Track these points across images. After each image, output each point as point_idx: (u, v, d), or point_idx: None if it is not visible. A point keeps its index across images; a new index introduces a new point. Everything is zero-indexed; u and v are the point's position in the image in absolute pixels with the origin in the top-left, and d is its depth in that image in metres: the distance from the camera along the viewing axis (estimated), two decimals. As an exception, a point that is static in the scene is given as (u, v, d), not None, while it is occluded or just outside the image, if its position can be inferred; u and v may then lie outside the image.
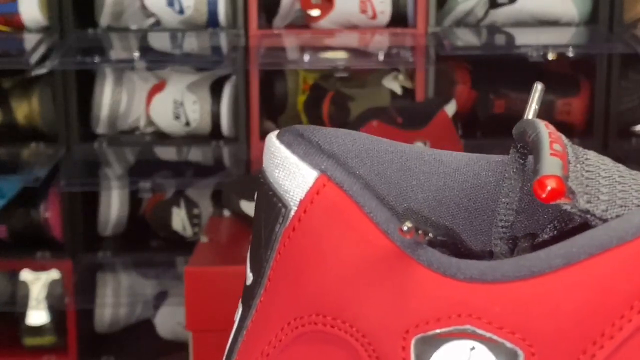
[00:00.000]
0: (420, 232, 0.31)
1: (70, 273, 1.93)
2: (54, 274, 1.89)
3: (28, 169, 1.88)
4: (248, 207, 1.55)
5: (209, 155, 2.01)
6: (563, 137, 0.34)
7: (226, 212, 1.65)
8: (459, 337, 0.30)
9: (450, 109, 1.74)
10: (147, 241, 2.07)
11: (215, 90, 1.97)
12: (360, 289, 0.32)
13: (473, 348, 0.30)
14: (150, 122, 2.00)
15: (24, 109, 1.97)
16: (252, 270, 0.37)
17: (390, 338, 0.31)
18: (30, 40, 1.89)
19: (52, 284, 1.88)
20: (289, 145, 0.35)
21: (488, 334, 0.30)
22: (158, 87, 1.98)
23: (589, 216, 0.31)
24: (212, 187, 1.98)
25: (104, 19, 1.93)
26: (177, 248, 1.98)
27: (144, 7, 1.94)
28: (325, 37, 1.96)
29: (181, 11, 1.92)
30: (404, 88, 1.97)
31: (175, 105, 1.96)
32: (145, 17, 1.96)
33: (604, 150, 1.89)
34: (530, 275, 0.30)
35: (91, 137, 1.97)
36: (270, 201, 0.35)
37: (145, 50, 1.89)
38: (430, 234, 0.31)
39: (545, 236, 0.37)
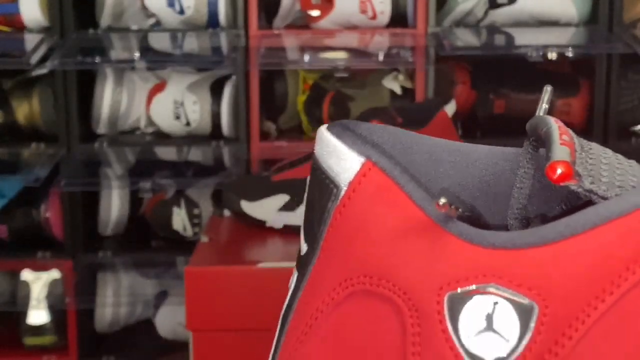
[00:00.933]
0: (452, 207, 0.37)
1: (71, 273, 1.93)
2: (54, 274, 1.89)
3: (28, 169, 1.88)
4: (248, 207, 1.56)
5: (209, 155, 2.01)
6: (570, 130, 0.40)
7: (226, 212, 1.65)
8: (484, 293, 0.37)
9: (450, 109, 1.74)
10: (148, 241, 2.08)
11: (216, 90, 1.97)
12: (401, 255, 0.39)
13: (496, 303, 0.36)
14: (150, 122, 2.00)
15: (24, 109, 1.97)
16: (306, 241, 0.43)
17: (426, 294, 0.37)
18: (30, 40, 1.89)
19: (53, 284, 1.89)
20: (338, 136, 0.41)
21: (509, 291, 0.36)
22: (158, 88, 1.98)
23: (592, 195, 0.38)
24: (212, 187, 1.99)
25: (105, 20, 1.94)
26: (178, 248, 1.98)
27: (144, 8, 1.94)
28: (325, 38, 1.97)
29: (181, 11, 1.92)
30: (403, 88, 1.97)
31: (176, 105, 1.96)
32: (145, 18, 1.96)
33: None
34: (544, 243, 0.36)
35: (92, 137, 1.97)
36: (323, 183, 0.42)
37: (146, 50, 1.89)
38: (460, 210, 0.37)
39: (553, 216, 0.42)
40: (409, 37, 1.92)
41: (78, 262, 1.95)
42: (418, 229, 0.38)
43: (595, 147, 0.41)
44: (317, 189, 0.42)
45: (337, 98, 1.96)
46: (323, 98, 1.97)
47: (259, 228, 1.53)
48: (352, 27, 1.96)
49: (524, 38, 1.93)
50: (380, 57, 1.89)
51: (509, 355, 0.36)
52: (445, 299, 0.37)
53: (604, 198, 0.38)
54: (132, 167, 1.98)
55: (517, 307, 0.36)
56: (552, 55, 1.84)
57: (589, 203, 0.38)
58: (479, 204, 0.44)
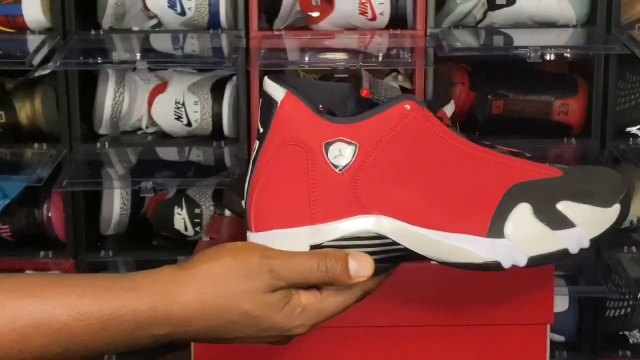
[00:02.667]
0: (324, 109, 0.87)
1: (73, 272, 1.94)
2: (56, 273, 1.90)
3: (31, 169, 1.89)
4: (249, 207, 1.56)
5: (210, 155, 2.02)
6: (370, 75, 0.89)
7: (227, 212, 1.66)
8: (337, 142, 0.85)
9: (449, 109, 1.75)
10: (149, 240, 2.09)
11: (217, 91, 1.98)
12: (304, 129, 0.86)
13: (342, 145, 0.85)
14: (152, 123, 2.01)
15: (26, 110, 1.98)
16: (262, 127, 0.88)
17: (315, 145, 0.86)
18: (33, 41, 1.90)
19: (55, 283, 1.89)
20: (274, 80, 0.87)
21: (347, 140, 0.85)
22: (160, 88, 1.99)
23: (378, 102, 0.86)
24: (213, 187, 2.00)
25: (106, 21, 1.95)
26: (179, 247, 1.99)
27: (145, 9, 1.95)
28: (325, 39, 1.98)
29: (182, 13, 1.93)
30: (403, 89, 1.98)
31: (177, 105, 1.97)
32: (147, 19, 1.97)
33: (601, 149, 1.91)
34: (357, 122, 0.86)
35: (93, 138, 1.99)
36: (269, 101, 0.87)
37: (147, 51, 1.90)
38: (327, 110, 0.87)
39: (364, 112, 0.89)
40: (408, 38, 1.93)
41: (80, 262, 1.96)
42: (310, 119, 0.86)
43: (382, 82, 0.89)
44: (267, 103, 0.87)
45: (337, 98, 1.97)
46: (323, 98, 1.98)
47: (260, 227, 1.54)
48: (351, 28, 1.97)
49: (523, 39, 1.94)
50: (380, 58, 1.90)
51: (347, 164, 0.85)
52: (323, 145, 0.85)
53: (382, 102, 0.86)
54: (133, 167, 1.99)
55: (351, 146, 0.85)
56: (551, 56, 1.85)
57: (377, 104, 0.86)
58: (335, 108, 0.89)
